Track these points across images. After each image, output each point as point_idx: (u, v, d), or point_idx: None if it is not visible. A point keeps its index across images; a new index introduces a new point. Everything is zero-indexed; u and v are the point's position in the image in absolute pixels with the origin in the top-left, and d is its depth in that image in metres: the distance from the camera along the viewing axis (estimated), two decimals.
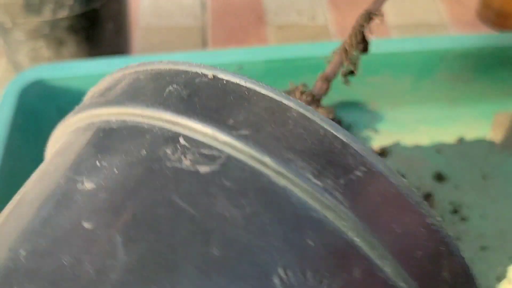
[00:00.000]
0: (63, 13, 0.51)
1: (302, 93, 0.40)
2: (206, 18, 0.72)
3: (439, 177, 0.51)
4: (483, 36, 0.53)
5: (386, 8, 0.73)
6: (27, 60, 0.56)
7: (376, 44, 0.52)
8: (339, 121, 0.53)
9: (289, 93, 0.41)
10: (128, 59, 0.49)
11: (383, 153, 0.53)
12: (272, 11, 0.73)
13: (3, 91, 0.46)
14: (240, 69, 0.49)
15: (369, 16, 0.36)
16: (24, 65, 0.57)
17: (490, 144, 0.55)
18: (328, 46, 0.50)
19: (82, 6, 0.51)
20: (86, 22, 0.53)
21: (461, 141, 0.55)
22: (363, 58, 0.52)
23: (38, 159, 0.48)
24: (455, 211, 0.49)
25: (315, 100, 0.39)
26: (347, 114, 0.55)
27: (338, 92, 0.54)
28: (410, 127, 0.55)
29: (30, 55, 0.55)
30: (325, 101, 0.54)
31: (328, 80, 0.39)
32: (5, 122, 0.44)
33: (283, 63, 0.50)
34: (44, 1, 0.49)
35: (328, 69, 0.38)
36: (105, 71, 0.48)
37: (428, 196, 0.49)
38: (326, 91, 0.39)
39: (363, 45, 0.37)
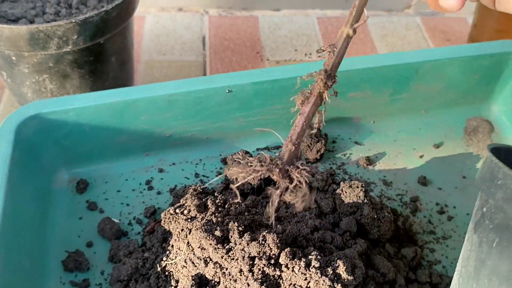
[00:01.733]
0: (68, 47, 0.51)
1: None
2: (206, 53, 0.74)
3: (424, 181, 0.54)
4: (452, 48, 0.57)
5: (377, 43, 0.77)
6: (30, 92, 0.56)
7: (355, 61, 0.55)
8: (325, 136, 0.56)
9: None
10: (125, 90, 0.50)
11: (369, 163, 0.55)
12: (269, 47, 0.76)
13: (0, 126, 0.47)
14: (229, 92, 0.52)
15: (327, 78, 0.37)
16: (28, 98, 0.57)
17: (465, 146, 0.58)
18: (310, 66, 0.53)
19: (86, 40, 0.52)
20: (90, 56, 0.54)
21: (438, 146, 0.58)
22: (344, 75, 0.55)
23: (37, 192, 0.48)
24: (442, 212, 0.52)
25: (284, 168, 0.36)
26: (332, 129, 0.58)
27: (322, 109, 0.57)
28: (392, 137, 0.58)
29: (33, 88, 0.56)
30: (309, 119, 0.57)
31: (295, 144, 0.37)
32: (5, 158, 0.44)
33: (270, 84, 0.52)
34: (50, 36, 0.49)
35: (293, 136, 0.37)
36: (99, 103, 0.50)
37: (415, 199, 0.52)
38: (296, 153, 0.37)
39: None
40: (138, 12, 0.58)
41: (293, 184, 0.36)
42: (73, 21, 0.49)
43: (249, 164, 0.36)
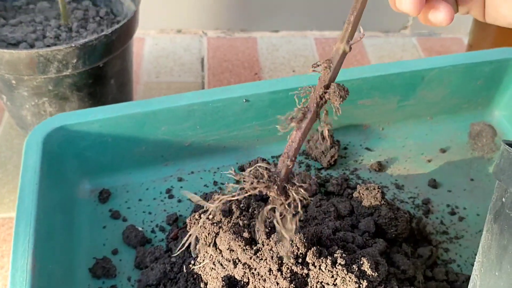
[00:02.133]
0: (67, 71, 0.52)
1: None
2: (205, 75, 0.76)
3: (434, 184, 0.56)
4: (456, 55, 0.60)
5: (371, 60, 0.80)
6: (30, 115, 0.57)
7: (364, 69, 0.58)
8: (338, 142, 0.58)
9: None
10: (145, 102, 0.52)
11: (380, 168, 0.57)
12: (268, 68, 0.78)
13: (26, 139, 0.48)
14: (246, 101, 0.53)
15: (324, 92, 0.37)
16: (27, 120, 0.58)
17: (470, 150, 0.61)
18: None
19: (86, 64, 0.52)
20: (89, 79, 0.54)
21: (445, 150, 0.60)
22: (354, 83, 0.57)
23: (63, 202, 0.49)
24: (453, 213, 0.54)
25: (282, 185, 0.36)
26: (343, 136, 0.60)
27: (333, 117, 0.59)
28: (400, 143, 0.61)
29: (33, 111, 0.56)
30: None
31: (292, 160, 0.36)
32: (34, 169, 0.46)
33: (285, 93, 0.54)
34: (50, 60, 0.50)
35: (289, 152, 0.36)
36: (121, 114, 0.51)
37: (427, 202, 0.54)
38: (291, 169, 0.37)
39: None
40: (137, 34, 0.59)
41: (288, 201, 0.36)
42: (73, 45, 0.49)
43: (244, 180, 0.35)
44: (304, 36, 0.85)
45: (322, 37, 0.85)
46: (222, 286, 0.41)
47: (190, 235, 0.47)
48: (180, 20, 0.83)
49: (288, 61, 0.80)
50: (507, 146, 0.39)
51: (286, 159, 0.36)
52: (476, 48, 0.74)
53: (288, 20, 0.85)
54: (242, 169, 0.56)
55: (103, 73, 0.55)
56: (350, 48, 0.35)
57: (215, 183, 0.55)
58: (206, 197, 0.52)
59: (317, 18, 0.85)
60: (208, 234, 0.45)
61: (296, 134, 0.37)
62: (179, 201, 0.53)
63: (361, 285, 0.39)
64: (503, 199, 0.43)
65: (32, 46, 0.54)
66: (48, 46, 0.54)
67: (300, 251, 0.41)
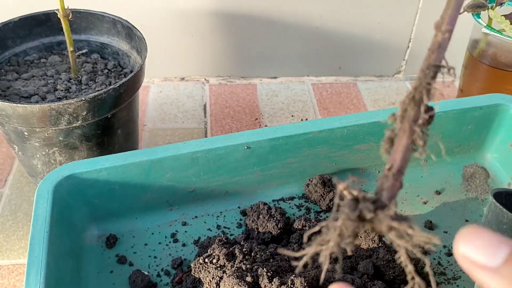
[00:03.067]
0: (77, 123, 0.54)
1: None
2: (207, 121, 0.79)
3: (430, 225, 0.58)
4: (447, 102, 0.63)
5: (370, 108, 0.83)
6: (40, 164, 0.59)
7: (359, 116, 0.60)
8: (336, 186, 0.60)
9: None
10: (151, 150, 0.54)
11: None
12: (267, 114, 0.81)
13: (37, 188, 0.50)
14: (248, 148, 0.56)
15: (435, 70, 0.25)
16: (38, 169, 0.60)
17: (465, 191, 0.63)
18: (318, 123, 0.58)
19: (95, 116, 0.55)
20: (98, 129, 0.57)
21: (440, 192, 0.63)
22: (350, 129, 0.60)
23: (72, 248, 0.51)
24: (450, 254, 0.55)
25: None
26: (341, 179, 0.62)
27: (332, 162, 0.61)
28: None
29: (43, 160, 0.58)
30: (320, 171, 0.62)
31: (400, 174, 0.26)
32: (45, 217, 0.48)
33: (284, 140, 0.57)
34: (61, 113, 0.52)
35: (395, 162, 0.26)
36: (128, 162, 0.54)
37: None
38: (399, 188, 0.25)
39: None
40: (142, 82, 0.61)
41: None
42: (83, 99, 0.52)
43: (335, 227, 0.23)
44: (301, 81, 0.89)
45: (319, 82, 0.88)
46: None
47: (194, 279, 0.49)
48: (183, 68, 0.87)
49: (287, 106, 0.83)
50: (494, 200, 0.41)
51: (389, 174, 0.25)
52: (467, 92, 0.77)
53: (285, 67, 0.88)
54: (244, 213, 0.58)
55: (110, 124, 0.58)
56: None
57: (218, 227, 0.57)
58: (210, 241, 0.54)
59: (313, 65, 0.88)
60: (212, 278, 0.47)
61: (401, 139, 0.26)
62: (184, 245, 0.55)
63: None
64: None
65: (43, 98, 0.57)
66: (59, 98, 0.57)
67: None
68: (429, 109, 0.25)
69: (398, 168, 0.26)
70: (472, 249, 0.22)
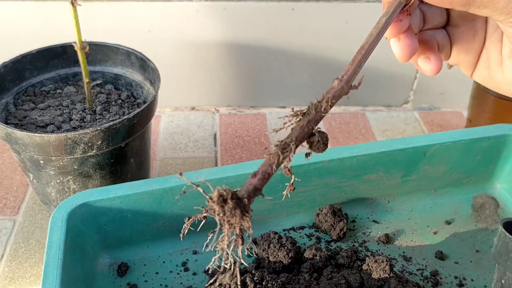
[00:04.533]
0: (92, 152, 0.55)
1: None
2: (218, 150, 0.80)
3: (441, 256, 0.58)
4: (455, 132, 0.63)
5: (378, 138, 0.84)
6: (54, 192, 0.60)
7: (368, 146, 0.61)
8: (346, 215, 0.61)
9: None
10: (164, 179, 0.55)
11: (388, 240, 0.60)
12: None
13: (51, 215, 0.51)
14: None
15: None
16: (51, 197, 0.61)
17: (474, 222, 0.63)
18: (328, 153, 0.59)
19: (109, 145, 0.56)
20: (111, 158, 0.58)
21: (450, 222, 0.63)
22: (359, 159, 0.60)
23: (84, 276, 0.51)
24: (461, 284, 0.55)
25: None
26: (351, 209, 0.63)
27: (342, 192, 0.62)
28: (406, 216, 0.63)
29: (57, 188, 0.59)
30: (330, 201, 0.62)
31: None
32: (59, 245, 0.48)
33: (294, 169, 0.57)
34: (77, 142, 0.54)
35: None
36: (141, 191, 0.55)
37: (435, 274, 0.56)
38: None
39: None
40: None
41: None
42: (99, 128, 0.53)
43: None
44: None
45: (328, 113, 0.89)
46: None
47: None
48: (193, 98, 0.89)
49: None
50: (504, 230, 0.41)
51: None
52: (475, 122, 0.78)
53: (294, 97, 0.90)
54: (254, 241, 0.59)
55: (124, 153, 0.59)
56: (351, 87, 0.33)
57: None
58: (220, 269, 0.54)
59: (322, 94, 0.89)
60: None
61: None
62: (194, 274, 0.55)
63: None
64: (502, 281, 0.45)
65: (59, 128, 0.59)
66: (74, 128, 0.59)
67: None
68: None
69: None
70: None
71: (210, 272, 0.55)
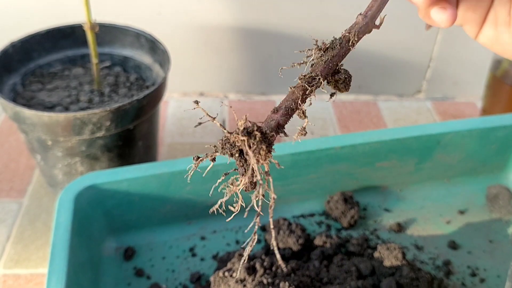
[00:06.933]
0: (100, 133, 0.54)
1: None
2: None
3: (453, 245, 0.57)
4: (470, 120, 0.62)
5: (387, 122, 0.82)
6: (61, 174, 0.59)
7: (381, 133, 0.60)
8: (357, 203, 0.59)
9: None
10: (172, 162, 0.54)
11: (400, 229, 0.58)
12: (286, 130, 0.80)
13: (59, 197, 0.50)
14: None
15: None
16: (58, 179, 0.60)
17: (488, 212, 0.62)
18: (340, 139, 0.58)
19: (118, 127, 0.55)
20: (119, 140, 0.57)
21: (463, 212, 0.61)
22: (372, 146, 0.59)
23: (91, 259, 0.51)
24: (474, 274, 0.54)
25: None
26: (362, 197, 0.61)
27: (353, 179, 0.61)
28: (419, 204, 0.62)
29: (65, 170, 0.59)
30: (341, 188, 0.61)
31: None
32: (66, 226, 0.47)
33: (306, 155, 0.56)
34: (85, 122, 0.53)
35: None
36: (149, 174, 0.54)
37: (447, 263, 0.55)
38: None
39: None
40: None
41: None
42: (108, 109, 0.52)
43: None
44: (321, 99, 0.88)
45: (339, 101, 0.88)
46: None
47: None
48: (202, 84, 0.87)
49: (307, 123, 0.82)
50: None
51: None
52: (490, 112, 0.76)
53: None
54: (263, 228, 0.58)
55: (132, 135, 0.58)
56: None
57: (237, 242, 0.56)
58: (229, 256, 0.53)
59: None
60: None
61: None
62: (202, 259, 0.54)
63: None
64: None
65: (67, 109, 0.58)
66: (82, 109, 0.58)
67: None
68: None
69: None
70: None
71: (218, 258, 0.54)
